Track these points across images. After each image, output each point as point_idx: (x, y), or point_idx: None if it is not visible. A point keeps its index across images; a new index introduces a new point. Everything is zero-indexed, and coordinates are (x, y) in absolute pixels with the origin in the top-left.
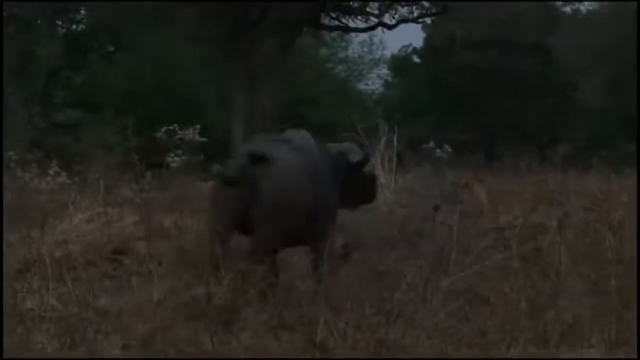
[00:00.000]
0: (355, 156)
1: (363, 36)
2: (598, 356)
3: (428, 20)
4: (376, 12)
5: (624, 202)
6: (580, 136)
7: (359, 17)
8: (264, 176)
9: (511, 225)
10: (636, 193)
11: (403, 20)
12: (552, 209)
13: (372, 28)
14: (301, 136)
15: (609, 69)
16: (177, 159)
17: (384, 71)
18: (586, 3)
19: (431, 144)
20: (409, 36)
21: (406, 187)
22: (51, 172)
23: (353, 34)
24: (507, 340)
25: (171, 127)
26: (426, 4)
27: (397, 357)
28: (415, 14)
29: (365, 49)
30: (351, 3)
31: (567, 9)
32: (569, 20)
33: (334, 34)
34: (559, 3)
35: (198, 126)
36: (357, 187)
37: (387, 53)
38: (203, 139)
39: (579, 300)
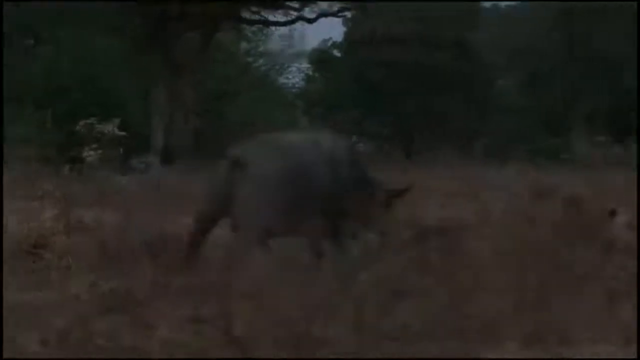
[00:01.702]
0: None
1: (283, 30)
2: (517, 351)
3: (348, 14)
4: (296, 5)
5: (542, 194)
6: (499, 131)
7: (279, 11)
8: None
9: (431, 219)
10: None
11: (323, 14)
12: (472, 203)
13: (292, 22)
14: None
15: (529, 64)
16: (92, 152)
17: (305, 65)
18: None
19: (352, 138)
20: (330, 30)
21: None
22: None
23: (273, 28)
24: (428, 335)
25: (89, 121)
26: None
27: (319, 351)
28: (336, 8)
29: (286, 43)
30: None
31: (487, 4)
32: (489, 16)
33: (254, 27)
34: None
35: (117, 120)
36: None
37: (308, 47)
38: (122, 133)
39: (498, 295)
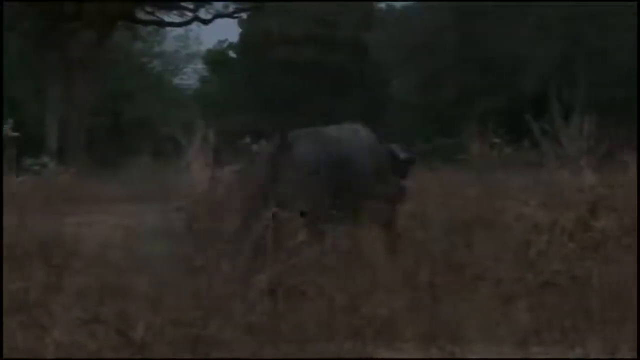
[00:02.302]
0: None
1: (179, 31)
2: (412, 350)
3: (244, 15)
4: (191, 6)
5: (437, 194)
6: (395, 130)
7: (175, 12)
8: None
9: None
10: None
11: (219, 15)
12: None
13: (188, 23)
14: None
15: (423, 64)
16: None
17: (200, 66)
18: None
19: (247, 139)
20: (225, 31)
21: (222, 182)
22: None
23: (168, 29)
24: (325, 336)
25: None
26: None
27: (214, 353)
28: (231, 9)
29: (181, 44)
30: None
31: (383, 5)
32: (385, 16)
33: (150, 28)
34: None
35: (11, 120)
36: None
37: (203, 48)
38: (15, 134)
39: (394, 294)
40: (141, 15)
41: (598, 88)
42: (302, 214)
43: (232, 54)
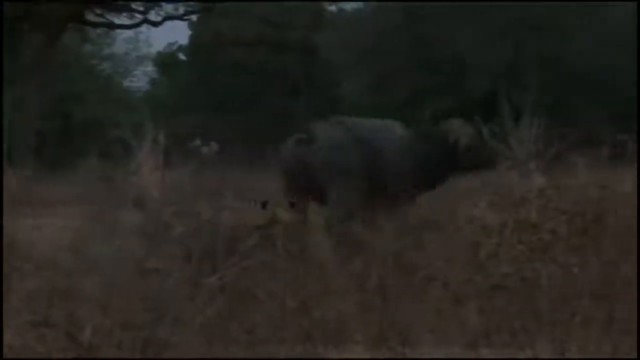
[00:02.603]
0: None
1: (128, 33)
2: (362, 352)
3: (194, 17)
4: (141, 9)
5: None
6: None
7: (124, 14)
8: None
9: (276, 223)
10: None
11: (169, 18)
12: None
13: (137, 25)
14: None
15: (374, 66)
16: None
17: (150, 68)
18: (352, 2)
19: (197, 141)
20: (175, 34)
21: (173, 185)
22: None
23: (118, 31)
24: (275, 338)
25: None
26: (191, 2)
27: (165, 355)
28: (181, 11)
29: (131, 46)
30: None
31: (333, 7)
32: (335, 18)
33: (99, 30)
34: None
35: None
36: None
37: (153, 50)
38: None
39: (344, 297)
40: (91, 17)
41: (548, 91)
42: (264, 205)
43: (182, 56)
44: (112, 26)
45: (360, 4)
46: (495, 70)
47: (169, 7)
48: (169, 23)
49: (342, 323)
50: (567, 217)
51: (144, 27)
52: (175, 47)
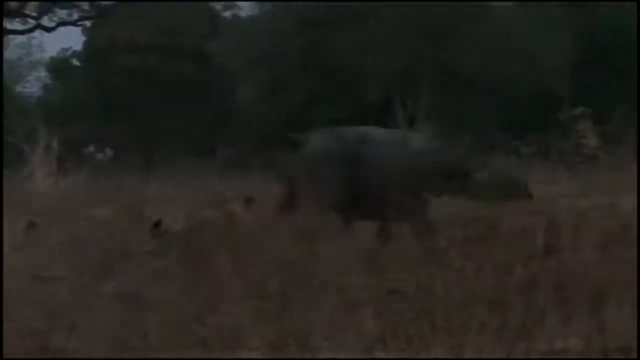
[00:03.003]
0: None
1: (21, 38)
2: (259, 358)
3: (88, 23)
4: (34, 14)
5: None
6: (240, 140)
7: (17, 19)
8: None
9: (173, 229)
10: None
11: (62, 23)
12: (213, 211)
13: (31, 30)
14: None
15: (268, 74)
16: None
17: (43, 74)
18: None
19: (91, 147)
20: (69, 39)
21: (67, 190)
22: None
23: (11, 36)
24: (171, 344)
25: None
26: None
27: None
28: (75, 17)
29: (24, 52)
30: (9, 4)
31: (227, 13)
32: (230, 24)
33: None
34: (218, 7)
35: None
36: None
37: (46, 56)
38: None
39: (241, 304)
40: None
41: (439, 98)
42: (156, 224)
43: (76, 62)
44: (4, 31)
45: (255, 10)
46: (389, 76)
47: (62, 13)
48: (62, 29)
49: (239, 330)
50: (461, 223)
51: (37, 33)
52: (69, 53)
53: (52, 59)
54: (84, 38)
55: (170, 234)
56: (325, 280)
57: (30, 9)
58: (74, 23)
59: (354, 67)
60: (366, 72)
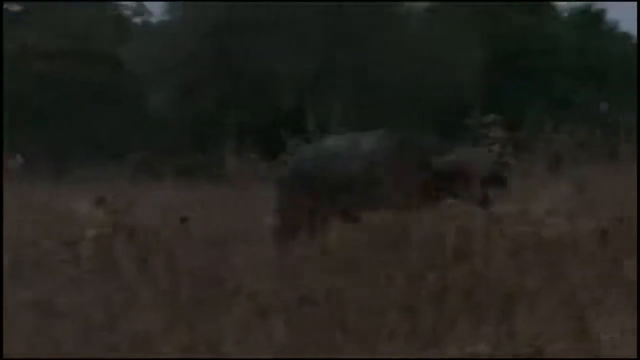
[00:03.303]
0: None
1: None
2: None
3: None
4: None
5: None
6: (152, 146)
7: None
8: None
9: (80, 238)
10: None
11: None
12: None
13: None
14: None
15: (179, 79)
16: None
17: None
18: (157, 14)
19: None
20: None
21: None
22: None
23: None
24: (83, 352)
25: None
26: None
27: None
28: None
29: None
30: None
31: (138, 19)
32: (140, 30)
33: None
34: (129, 12)
35: None
36: None
37: None
38: None
39: (152, 310)
40: None
41: (352, 105)
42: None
43: None
44: None
45: (166, 16)
46: (301, 81)
47: None
48: None
49: (150, 336)
50: (371, 229)
51: None
52: None
53: None
54: None
55: (82, 242)
56: (237, 285)
57: None
58: None
59: (265, 72)
60: (278, 78)
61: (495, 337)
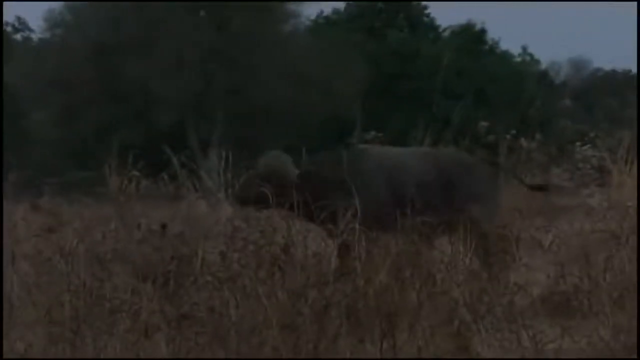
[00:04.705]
0: None
1: None
2: None
3: None
4: None
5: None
6: (31, 164)
7: None
8: None
9: None
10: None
11: None
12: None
13: None
14: None
15: (60, 98)
16: None
17: None
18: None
19: None
20: None
21: None
22: None
23: None
24: None
25: None
26: None
27: None
28: None
29: None
30: None
31: (18, 36)
32: (21, 48)
33: None
34: (9, 29)
35: None
36: None
37: None
38: None
39: (32, 329)
40: None
41: (234, 123)
42: None
43: None
44: None
45: (47, 34)
46: (182, 102)
47: None
48: None
49: (30, 356)
50: (254, 247)
51: None
52: None
53: None
54: None
55: None
56: (119, 304)
57: None
58: None
59: (147, 92)
60: (159, 98)
61: (377, 355)
